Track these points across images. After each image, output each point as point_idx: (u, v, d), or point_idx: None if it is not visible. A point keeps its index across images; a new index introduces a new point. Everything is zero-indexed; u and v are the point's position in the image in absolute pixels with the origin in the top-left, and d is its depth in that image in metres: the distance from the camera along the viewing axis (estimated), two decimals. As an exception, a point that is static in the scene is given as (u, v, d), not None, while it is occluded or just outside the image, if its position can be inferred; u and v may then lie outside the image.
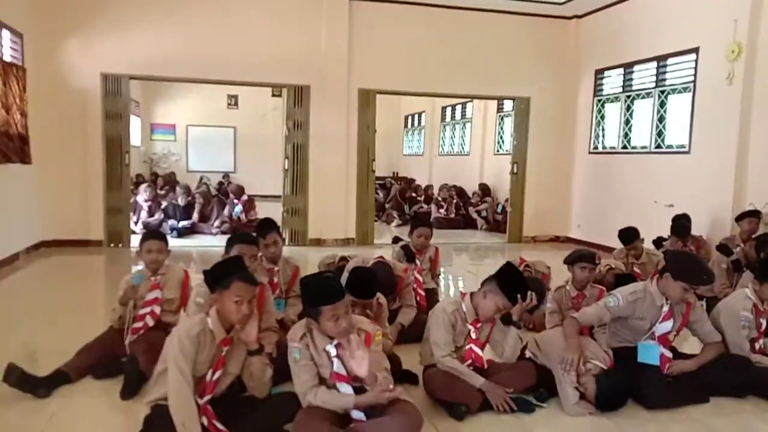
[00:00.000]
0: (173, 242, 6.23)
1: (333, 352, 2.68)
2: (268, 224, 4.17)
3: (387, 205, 12.71)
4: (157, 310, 3.60)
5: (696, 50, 7.16)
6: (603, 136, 9.22)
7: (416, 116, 17.65)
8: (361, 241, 9.00)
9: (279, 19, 8.40)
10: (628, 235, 5.46)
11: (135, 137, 13.33)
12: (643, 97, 8.31)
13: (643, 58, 8.12)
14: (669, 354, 3.44)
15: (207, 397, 2.59)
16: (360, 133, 8.85)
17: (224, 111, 16.58)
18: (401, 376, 3.44)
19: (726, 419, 3.23)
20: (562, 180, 9.68)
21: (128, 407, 3.07)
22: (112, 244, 8.13)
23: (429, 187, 13.30)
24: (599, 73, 9.13)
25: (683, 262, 3.40)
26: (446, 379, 3.14)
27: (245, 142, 16.68)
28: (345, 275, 3.60)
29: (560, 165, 9.66)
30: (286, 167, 8.79)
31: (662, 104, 7.90)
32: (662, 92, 7.90)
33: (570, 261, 4.26)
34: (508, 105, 11.92)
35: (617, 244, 5.74)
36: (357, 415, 2.64)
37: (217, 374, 2.62)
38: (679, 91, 7.62)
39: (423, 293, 4.78)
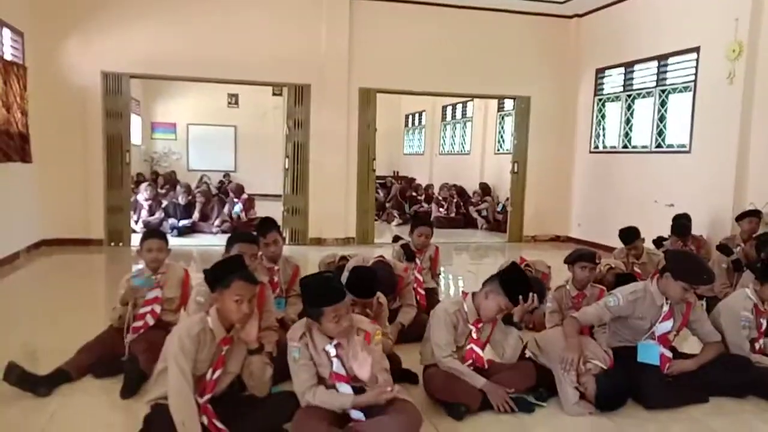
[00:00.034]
0: (173, 241, 6.23)
1: (332, 351, 2.68)
2: (268, 223, 4.17)
3: (387, 205, 12.71)
4: (158, 309, 3.60)
5: (697, 49, 7.15)
6: (603, 135, 9.22)
7: (417, 115, 17.65)
8: (361, 240, 9.00)
9: (279, 17, 8.40)
10: (629, 235, 5.46)
11: (135, 136, 13.33)
12: (644, 97, 8.31)
13: (644, 57, 8.11)
14: (669, 354, 3.44)
15: (207, 396, 2.59)
16: (360, 132, 8.85)
17: (225, 110, 16.56)
18: (401, 375, 3.44)
19: (726, 419, 3.24)
20: (563, 179, 9.68)
21: (128, 406, 3.07)
22: (112, 243, 8.14)
23: (429, 186, 13.30)
24: (600, 73, 9.13)
25: (683, 262, 3.40)
26: (446, 379, 3.14)
27: (246, 141, 16.67)
28: (345, 274, 3.60)
29: (561, 164, 9.65)
30: (287, 166, 8.79)
31: (663, 104, 7.90)
32: (663, 91, 7.89)
33: (570, 260, 4.26)
34: (508, 104, 11.92)
35: (617, 244, 5.74)
36: (356, 414, 2.64)
37: (217, 373, 2.62)
38: (680, 91, 7.61)
39: (423, 292, 4.78)
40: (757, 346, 3.66)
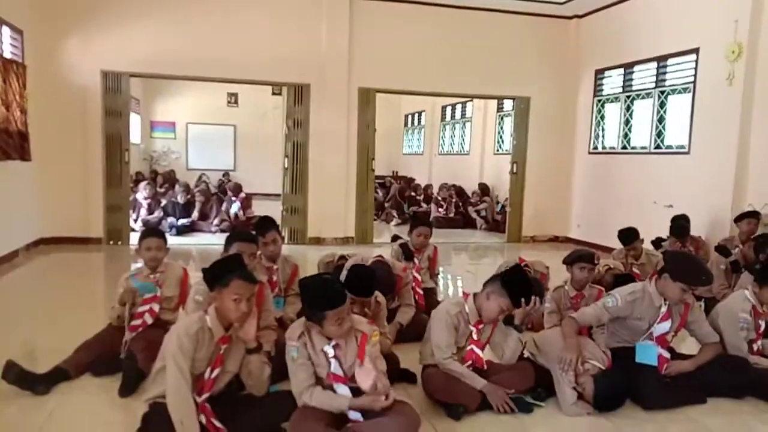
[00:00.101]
0: (172, 240, 6.24)
1: (331, 352, 2.68)
2: (267, 222, 4.17)
3: (386, 204, 12.71)
4: (156, 307, 3.60)
5: (696, 51, 7.16)
6: (603, 136, 9.22)
7: (416, 115, 17.65)
8: (360, 239, 9.00)
9: (279, 17, 8.40)
10: (628, 236, 5.45)
11: (135, 135, 13.30)
12: (643, 98, 8.31)
13: (644, 58, 8.12)
14: (667, 354, 3.45)
15: (205, 395, 2.59)
16: (360, 132, 8.85)
17: (224, 109, 16.55)
18: (399, 375, 3.44)
19: (724, 420, 3.24)
20: (562, 180, 9.68)
21: (127, 405, 3.07)
22: (111, 242, 8.13)
23: (428, 186, 13.30)
24: (599, 73, 9.13)
25: (682, 263, 3.41)
26: (445, 379, 3.14)
27: (245, 140, 16.66)
28: (344, 274, 3.60)
29: (560, 165, 9.66)
30: (286, 166, 8.79)
31: (662, 104, 7.90)
32: (662, 92, 7.90)
33: (569, 261, 4.26)
34: (508, 104, 11.92)
35: (616, 245, 5.74)
36: (354, 415, 2.64)
37: (216, 372, 2.62)
38: (679, 92, 7.62)
39: (421, 292, 4.79)
40: (755, 347, 3.66)
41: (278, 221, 4.89)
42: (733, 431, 3.17)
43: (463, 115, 14.51)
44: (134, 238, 6.97)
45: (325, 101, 8.60)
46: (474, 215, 11.59)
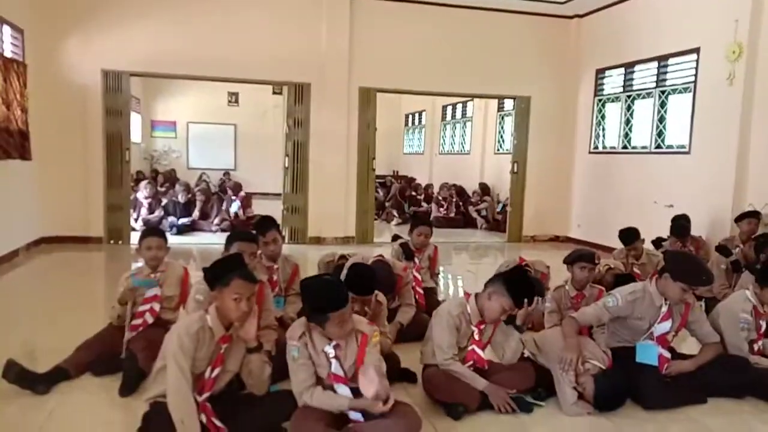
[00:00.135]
0: (173, 239, 6.24)
1: (331, 353, 2.68)
2: (267, 222, 4.17)
3: (387, 204, 12.70)
4: (157, 307, 3.60)
5: (697, 50, 7.15)
6: (603, 135, 9.22)
7: (417, 115, 17.65)
8: (360, 239, 9.00)
9: (280, 16, 8.40)
10: (629, 236, 5.45)
11: (135, 134, 13.32)
12: (644, 97, 8.31)
13: (644, 58, 8.12)
14: (667, 354, 3.45)
15: (206, 395, 2.59)
16: (360, 131, 8.85)
17: (225, 108, 16.55)
18: (400, 374, 3.45)
19: (724, 420, 3.24)
20: (562, 180, 9.68)
21: (127, 404, 3.07)
22: (112, 241, 8.14)
23: (429, 186, 13.30)
24: (600, 73, 9.13)
25: (682, 263, 3.40)
26: (445, 379, 3.14)
27: (246, 139, 16.66)
28: (344, 273, 3.60)
29: (560, 165, 9.66)
30: (287, 165, 8.79)
31: (663, 104, 7.90)
32: (663, 92, 7.90)
33: (569, 261, 4.26)
34: (508, 104, 11.92)
35: (617, 244, 5.74)
36: (354, 415, 2.64)
37: (216, 371, 2.62)
38: (680, 92, 7.61)
39: (422, 292, 4.78)
40: (756, 347, 3.66)
41: (279, 221, 4.89)
42: (733, 431, 3.17)
43: (463, 114, 14.50)
44: (135, 238, 6.94)
45: (326, 101, 8.60)
46: (474, 215, 11.59)
